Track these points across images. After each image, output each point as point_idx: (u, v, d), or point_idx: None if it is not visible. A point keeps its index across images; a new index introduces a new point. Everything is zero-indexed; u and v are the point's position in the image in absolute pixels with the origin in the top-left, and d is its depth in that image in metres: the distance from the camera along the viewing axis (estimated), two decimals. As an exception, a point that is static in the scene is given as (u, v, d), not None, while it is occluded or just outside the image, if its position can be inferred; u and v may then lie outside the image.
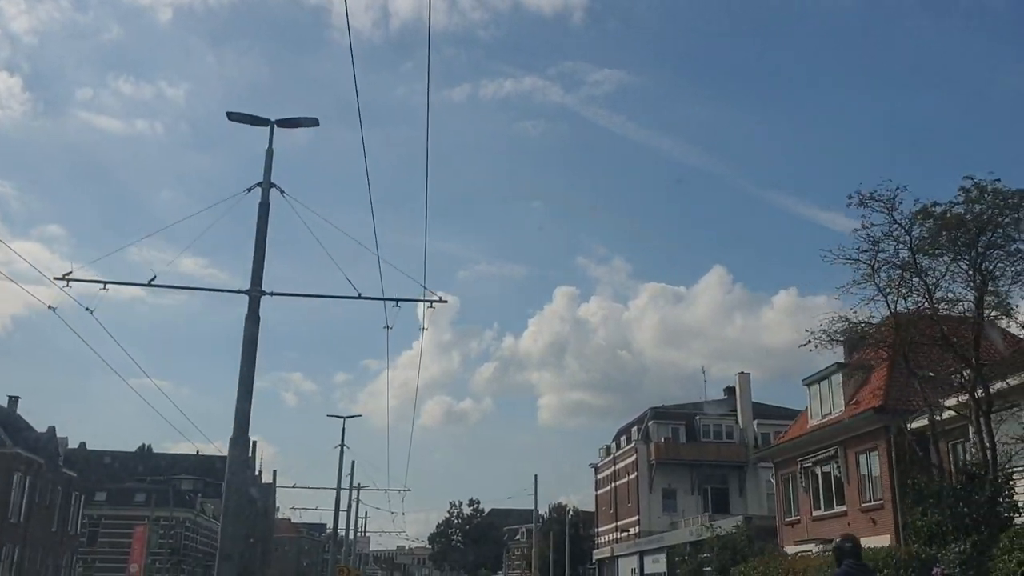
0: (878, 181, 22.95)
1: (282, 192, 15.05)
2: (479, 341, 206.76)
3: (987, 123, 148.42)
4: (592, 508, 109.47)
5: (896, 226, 20.80)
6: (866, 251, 21.42)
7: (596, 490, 66.07)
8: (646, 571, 52.95)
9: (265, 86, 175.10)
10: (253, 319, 14.34)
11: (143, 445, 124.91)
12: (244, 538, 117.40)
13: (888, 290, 21.84)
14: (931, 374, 23.55)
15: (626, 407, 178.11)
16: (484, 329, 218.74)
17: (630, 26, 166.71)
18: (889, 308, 21.87)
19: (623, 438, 61.38)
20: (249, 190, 15.09)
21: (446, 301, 16.17)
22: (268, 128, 15.49)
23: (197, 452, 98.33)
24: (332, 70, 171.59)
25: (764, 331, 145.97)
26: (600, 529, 64.69)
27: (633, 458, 56.21)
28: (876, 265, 21.59)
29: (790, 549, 31.74)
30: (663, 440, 55.16)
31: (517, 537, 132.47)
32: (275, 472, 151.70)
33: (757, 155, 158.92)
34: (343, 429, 43.24)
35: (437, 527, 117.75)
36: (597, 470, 66.30)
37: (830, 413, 32.71)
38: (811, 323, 59.56)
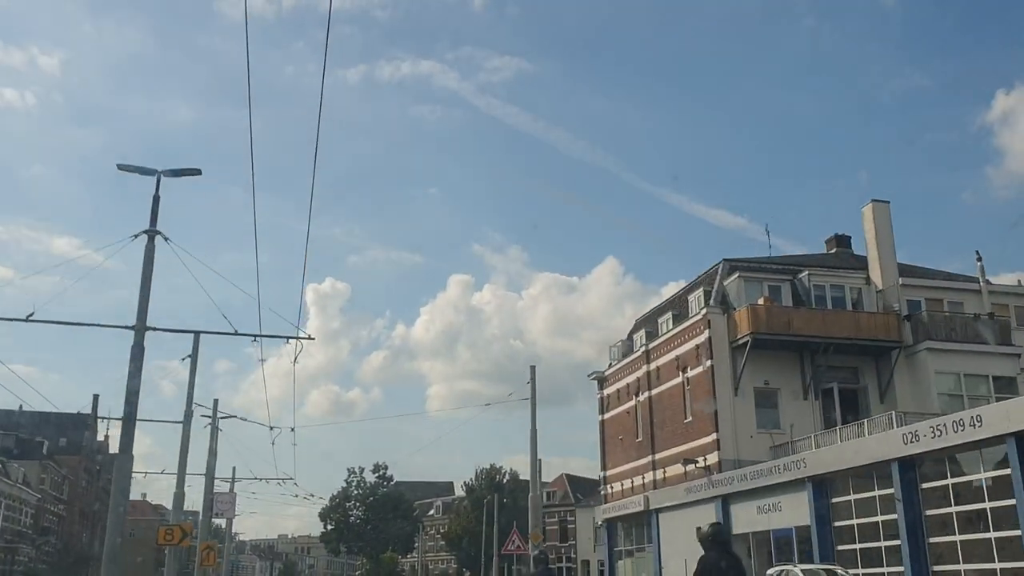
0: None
1: (166, 239, 15.72)
2: (369, 329, 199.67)
3: (877, 124, 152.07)
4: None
5: None
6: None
7: (604, 411, 42.05)
8: (740, 528, 29.54)
9: (149, 59, 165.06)
10: (139, 352, 14.84)
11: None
12: (77, 511, 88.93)
13: None
14: None
15: (517, 397, 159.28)
16: (375, 317, 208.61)
17: (530, 13, 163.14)
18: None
19: (664, 319, 37.54)
20: (135, 236, 15.60)
21: (313, 339, 16.23)
22: (155, 178, 16.14)
23: (20, 408, 72.52)
24: (220, 45, 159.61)
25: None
26: (612, 471, 40.71)
27: (702, 337, 32.45)
28: None
29: None
30: (762, 303, 31.60)
31: (431, 512, 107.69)
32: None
33: (646, 151, 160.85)
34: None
35: (331, 500, 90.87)
36: (603, 382, 42.30)
37: None
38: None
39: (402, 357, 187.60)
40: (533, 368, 30.89)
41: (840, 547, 24.86)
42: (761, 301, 31.43)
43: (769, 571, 23.24)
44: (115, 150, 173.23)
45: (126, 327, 17.42)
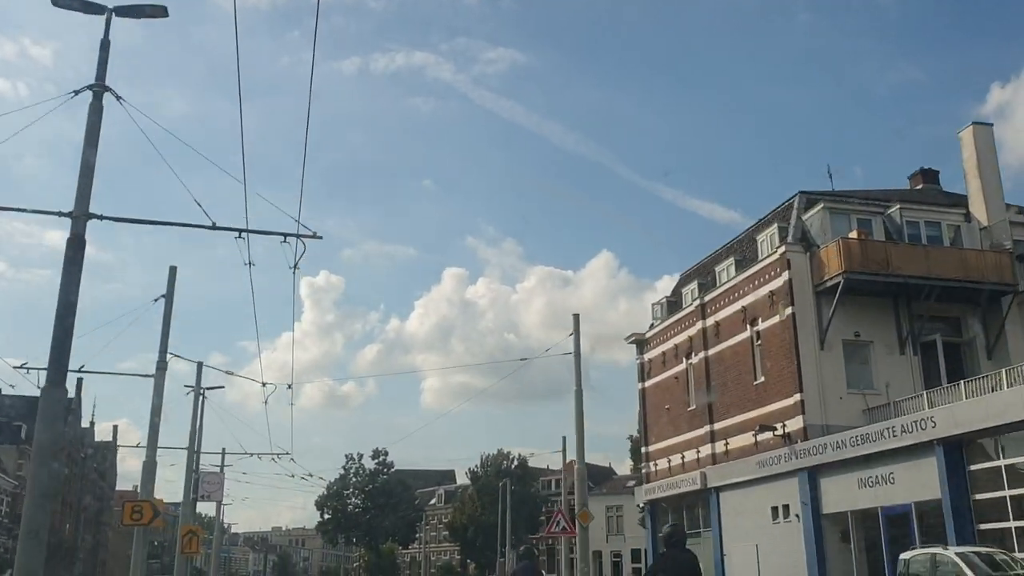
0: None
1: (118, 97, 11.61)
2: (363, 323, 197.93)
3: (871, 119, 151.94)
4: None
5: None
6: None
7: (645, 378, 36.87)
8: (834, 506, 24.49)
9: (142, 50, 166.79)
10: (77, 246, 11.28)
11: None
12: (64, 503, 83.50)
13: None
14: None
15: (511, 390, 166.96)
16: (369, 311, 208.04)
17: (524, 5, 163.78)
18: None
19: (723, 267, 32.34)
20: (76, 92, 11.54)
21: (320, 237, 13.11)
22: (104, 17, 12.38)
23: (-2, 390, 67.05)
24: (214, 36, 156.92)
25: (647, 316, 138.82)
26: (656, 446, 35.55)
27: (779, 282, 27.24)
28: None
29: None
30: (855, 236, 26.41)
31: (432, 501, 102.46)
32: (115, 428, 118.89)
33: (641, 145, 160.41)
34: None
35: (329, 487, 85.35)
36: (643, 345, 37.11)
37: None
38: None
39: (396, 351, 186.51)
40: (576, 316, 25.66)
41: (983, 525, 19.78)
42: (854, 234, 26.26)
43: (905, 555, 18.14)
44: (107, 143, 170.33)
45: (61, 214, 12.52)
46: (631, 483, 73.36)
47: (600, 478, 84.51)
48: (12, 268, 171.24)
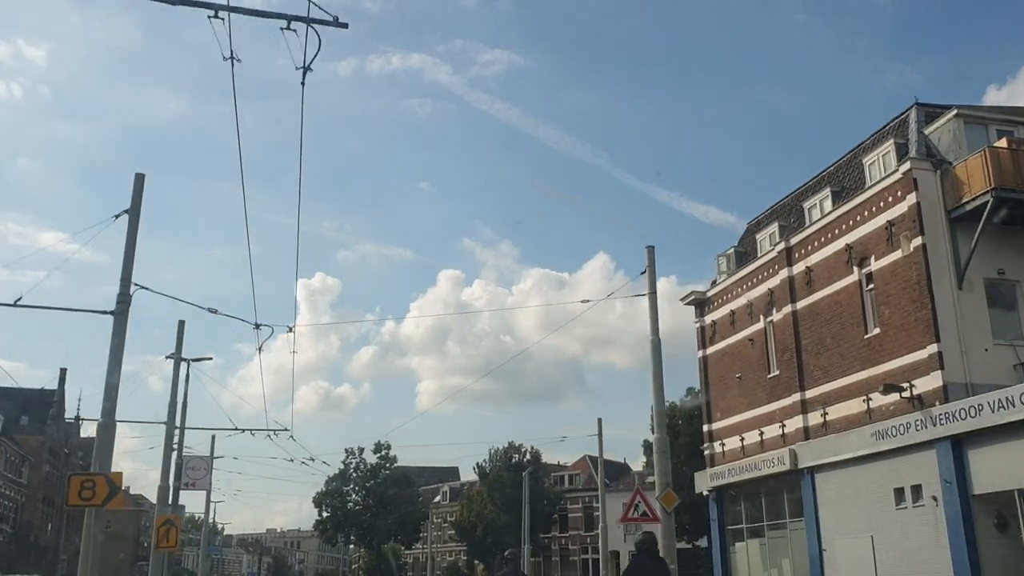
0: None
1: None
2: (359, 325, 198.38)
3: (867, 120, 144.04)
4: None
5: None
6: None
7: (706, 344, 31.40)
8: (988, 485, 19.07)
9: (136, 51, 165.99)
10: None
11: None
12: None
13: None
14: None
15: (507, 392, 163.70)
16: (365, 313, 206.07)
17: (522, 7, 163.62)
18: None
19: (814, 202, 26.84)
20: None
21: (345, 25, 8.95)
22: None
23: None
24: (209, 38, 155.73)
25: (644, 317, 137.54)
26: (724, 423, 30.04)
27: (901, 208, 21.80)
28: None
29: None
30: (1005, 145, 21.06)
31: (437, 499, 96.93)
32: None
33: (637, 147, 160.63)
34: None
35: (327, 483, 79.70)
36: (704, 305, 31.66)
37: None
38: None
39: (392, 353, 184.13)
40: (651, 249, 20.23)
41: None
42: (1002, 143, 20.91)
43: None
44: (101, 143, 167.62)
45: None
46: (650, 478, 68.47)
47: (615, 473, 79.42)
48: (6, 270, 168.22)
